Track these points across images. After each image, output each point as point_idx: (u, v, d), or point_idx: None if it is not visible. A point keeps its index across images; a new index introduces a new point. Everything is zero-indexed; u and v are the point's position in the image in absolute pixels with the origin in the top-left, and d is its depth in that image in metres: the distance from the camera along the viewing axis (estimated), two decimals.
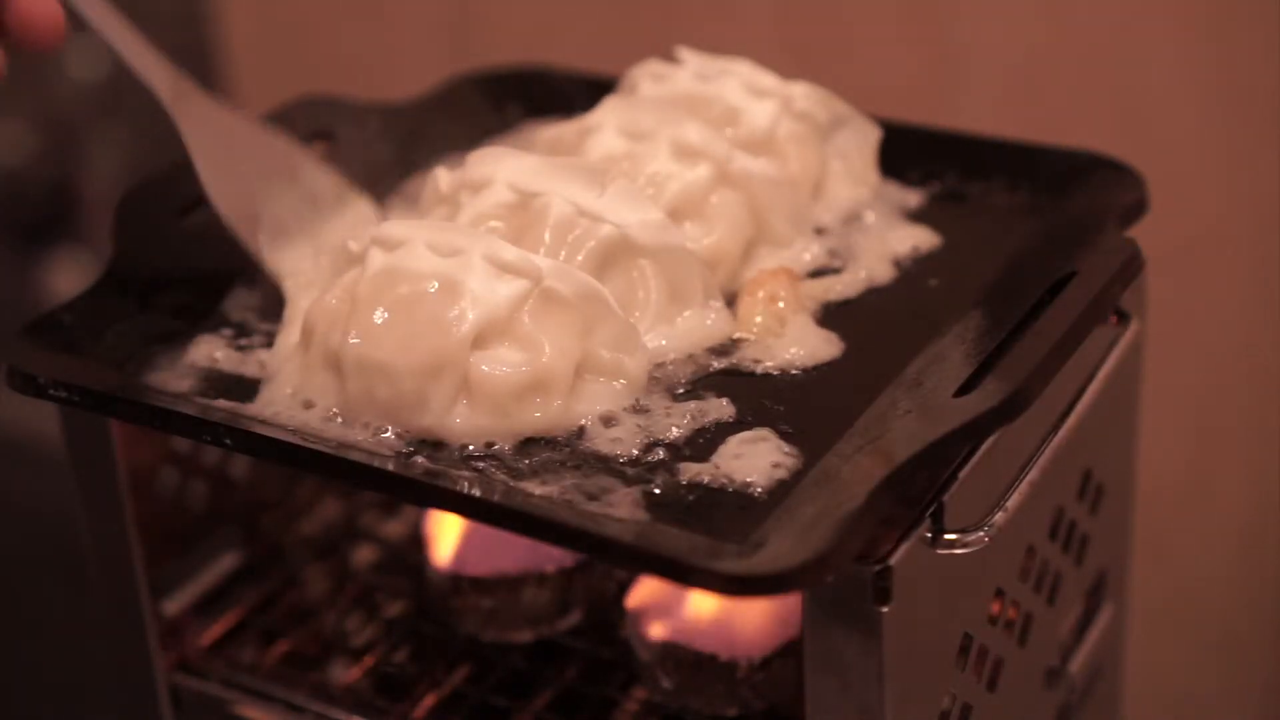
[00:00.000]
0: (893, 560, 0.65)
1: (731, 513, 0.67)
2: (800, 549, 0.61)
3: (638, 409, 0.73)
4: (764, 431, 0.71)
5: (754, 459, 0.69)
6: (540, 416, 0.71)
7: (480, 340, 0.71)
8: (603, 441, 0.71)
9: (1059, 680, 0.83)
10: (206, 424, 0.70)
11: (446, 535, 0.87)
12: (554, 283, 0.72)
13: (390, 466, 0.68)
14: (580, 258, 0.75)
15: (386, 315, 0.71)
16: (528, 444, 0.71)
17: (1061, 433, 0.75)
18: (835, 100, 0.91)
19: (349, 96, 0.97)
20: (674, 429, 0.72)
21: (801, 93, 0.90)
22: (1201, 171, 1.21)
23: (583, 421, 0.72)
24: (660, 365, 0.76)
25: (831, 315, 0.80)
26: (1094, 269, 0.77)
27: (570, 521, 0.65)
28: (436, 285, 0.71)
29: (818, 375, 0.76)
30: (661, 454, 0.70)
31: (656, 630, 0.80)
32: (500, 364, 0.71)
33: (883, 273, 0.84)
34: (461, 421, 0.70)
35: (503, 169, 0.79)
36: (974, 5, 1.25)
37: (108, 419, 0.79)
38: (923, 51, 1.27)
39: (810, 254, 0.85)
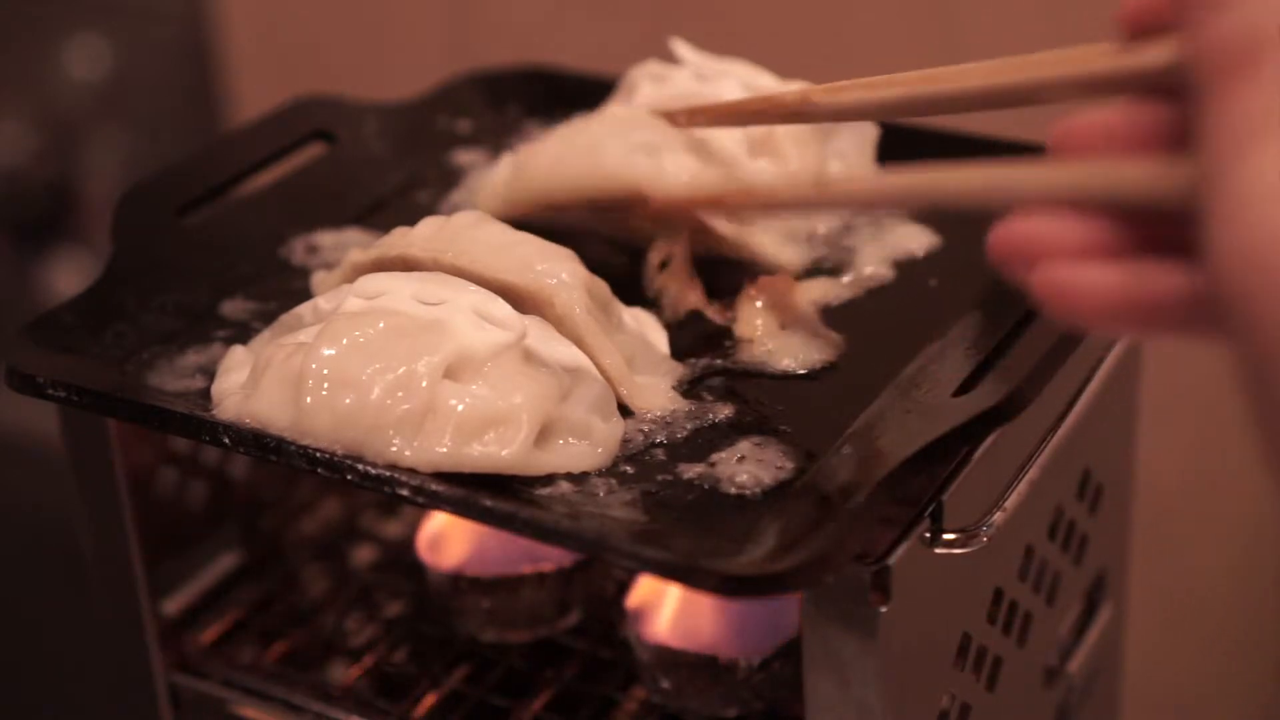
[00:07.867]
0: (891, 560, 0.65)
1: (730, 513, 0.66)
2: (799, 549, 0.61)
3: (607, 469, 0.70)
4: (763, 432, 0.71)
5: (753, 459, 0.69)
6: (505, 455, 0.67)
7: (452, 372, 0.68)
8: None
9: (1058, 680, 0.83)
10: (206, 424, 0.70)
11: (446, 535, 0.87)
12: (537, 345, 0.70)
13: (389, 468, 0.68)
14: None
15: (360, 338, 0.68)
16: None
17: (1061, 432, 0.75)
18: None
19: (349, 96, 0.97)
20: (674, 429, 0.72)
21: None
22: None
23: (548, 472, 0.68)
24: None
25: (831, 316, 0.80)
26: None
27: (569, 522, 0.65)
28: (417, 322, 0.69)
29: (817, 376, 0.76)
30: (661, 454, 0.70)
31: (656, 631, 0.80)
32: (466, 396, 0.67)
33: (882, 273, 0.84)
34: (412, 453, 0.67)
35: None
36: (974, 5, 1.25)
37: (107, 419, 0.79)
38: (923, 51, 1.27)
39: (810, 254, 0.85)
